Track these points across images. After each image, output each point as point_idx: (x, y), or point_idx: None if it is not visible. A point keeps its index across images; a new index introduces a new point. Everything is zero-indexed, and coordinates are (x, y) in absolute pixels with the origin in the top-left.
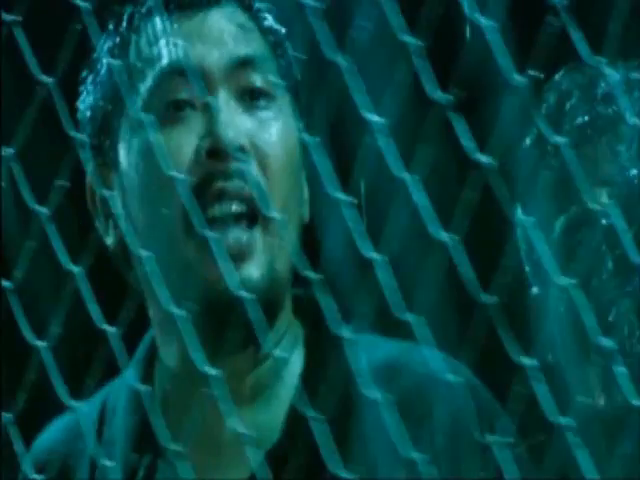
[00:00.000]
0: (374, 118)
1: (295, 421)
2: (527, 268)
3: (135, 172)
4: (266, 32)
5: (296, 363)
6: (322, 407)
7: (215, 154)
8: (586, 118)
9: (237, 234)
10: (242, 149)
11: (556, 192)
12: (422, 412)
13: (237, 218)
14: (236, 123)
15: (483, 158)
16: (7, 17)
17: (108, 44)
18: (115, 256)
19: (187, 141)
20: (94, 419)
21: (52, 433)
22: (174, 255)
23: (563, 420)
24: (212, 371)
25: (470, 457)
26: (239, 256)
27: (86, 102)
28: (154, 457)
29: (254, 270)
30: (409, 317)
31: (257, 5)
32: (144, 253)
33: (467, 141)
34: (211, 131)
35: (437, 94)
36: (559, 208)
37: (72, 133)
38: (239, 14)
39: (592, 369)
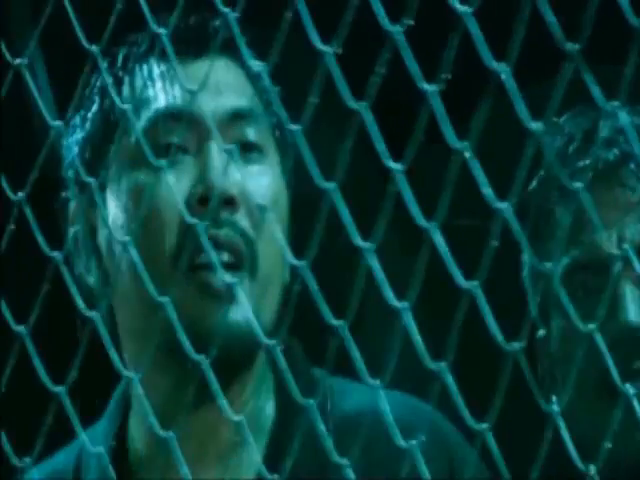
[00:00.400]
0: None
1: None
2: (533, 310)
3: (124, 212)
4: (259, 90)
5: (268, 411)
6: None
7: (206, 202)
8: (587, 162)
9: (225, 279)
10: (232, 200)
11: (560, 234)
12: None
13: (226, 266)
14: (228, 172)
15: (502, 204)
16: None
17: (99, 83)
18: (94, 296)
19: (179, 186)
20: (71, 468)
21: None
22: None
23: (592, 468)
24: (166, 434)
25: None
26: (227, 300)
27: (74, 139)
28: None
29: (240, 315)
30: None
31: (251, 63)
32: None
33: (486, 188)
34: (203, 178)
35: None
36: (562, 250)
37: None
38: (235, 68)
39: (612, 413)
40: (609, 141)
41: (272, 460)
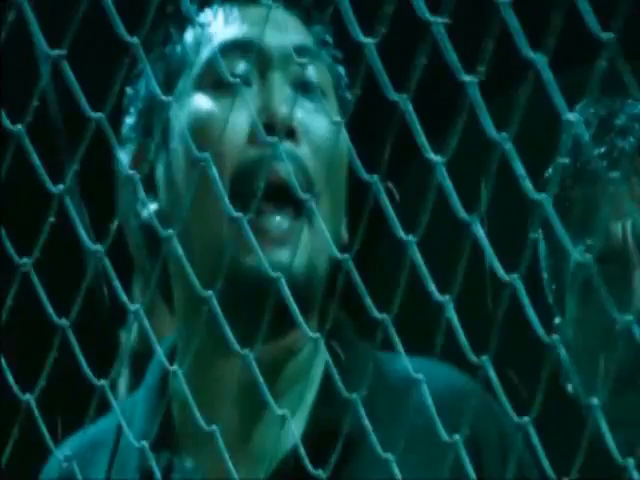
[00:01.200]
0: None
1: (315, 427)
2: (549, 298)
3: (184, 148)
4: (319, 41)
5: (319, 367)
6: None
7: (269, 130)
8: (602, 150)
9: (280, 221)
10: (293, 132)
11: (574, 223)
12: (444, 423)
13: (283, 207)
14: (290, 105)
15: (538, 195)
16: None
17: (168, 28)
18: (145, 232)
19: (241, 115)
20: (112, 431)
21: (65, 449)
22: (212, 235)
23: (631, 461)
24: (246, 352)
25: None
26: (278, 240)
27: (139, 83)
28: (171, 456)
29: (291, 256)
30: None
31: (312, 16)
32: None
33: (524, 181)
34: (266, 107)
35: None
36: (576, 239)
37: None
38: (295, 17)
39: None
40: (625, 129)
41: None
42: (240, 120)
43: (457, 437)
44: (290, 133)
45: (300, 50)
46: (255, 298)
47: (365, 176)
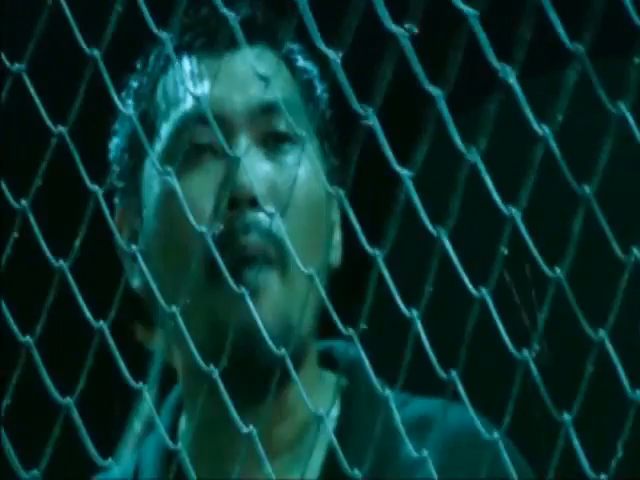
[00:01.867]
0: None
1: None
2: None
3: (155, 218)
4: (296, 73)
5: (332, 415)
6: (358, 462)
7: (233, 204)
8: None
9: (252, 275)
10: (255, 200)
11: None
12: (458, 465)
13: (257, 266)
14: (255, 171)
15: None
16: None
17: (135, 85)
18: (140, 299)
19: (207, 189)
20: (131, 471)
21: None
22: (198, 305)
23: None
24: (245, 429)
25: None
26: (253, 296)
27: (113, 143)
28: None
29: (268, 312)
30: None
31: (288, 46)
32: (172, 307)
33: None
34: (230, 179)
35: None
36: None
37: (89, 184)
38: (268, 55)
39: None
40: None
41: (332, 461)
42: (205, 194)
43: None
44: (254, 203)
45: (266, 107)
46: (254, 363)
47: (330, 189)
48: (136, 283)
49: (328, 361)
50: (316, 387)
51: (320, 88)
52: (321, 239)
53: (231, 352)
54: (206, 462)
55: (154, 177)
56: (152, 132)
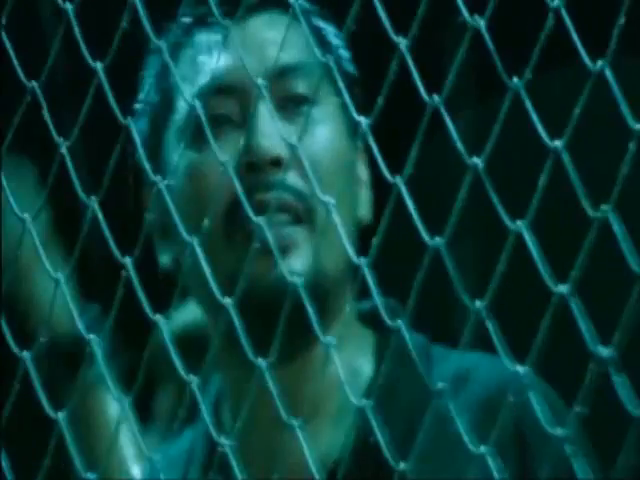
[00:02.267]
0: None
1: (363, 437)
2: None
3: (179, 185)
4: (313, 33)
5: (364, 372)
6: (392, 419)
7: (252, 168)
8: None
9: (280, 229)
10: (277, 160)
11: None
12: (494, 420)
13: (281, 220)
14: (273, 134)
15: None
16: None
17: (160, 60)
18: (170, 276)
19: (226, 157)
20: (185, 452)
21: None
22: (217, 263)
23: None
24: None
25: (542, 463)
26: (281, 249)
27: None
28: None
29: (297, 263)
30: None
31: (302, 6)
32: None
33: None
34: (249, 144)
35: None
36: None
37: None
38: (283, 19)
39: None
40: None
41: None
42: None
43: (483, 449)
44: (276, 163)
45: (282, 71)
46: (272, 312)
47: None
48: (165, 260)
49: (372, 321)
50: (351, 344)
51: (338, 44)
52: (348, 196)
53: (256, 308)
54: (256, 457)
55: (175, 146)
56: (171, 107)
